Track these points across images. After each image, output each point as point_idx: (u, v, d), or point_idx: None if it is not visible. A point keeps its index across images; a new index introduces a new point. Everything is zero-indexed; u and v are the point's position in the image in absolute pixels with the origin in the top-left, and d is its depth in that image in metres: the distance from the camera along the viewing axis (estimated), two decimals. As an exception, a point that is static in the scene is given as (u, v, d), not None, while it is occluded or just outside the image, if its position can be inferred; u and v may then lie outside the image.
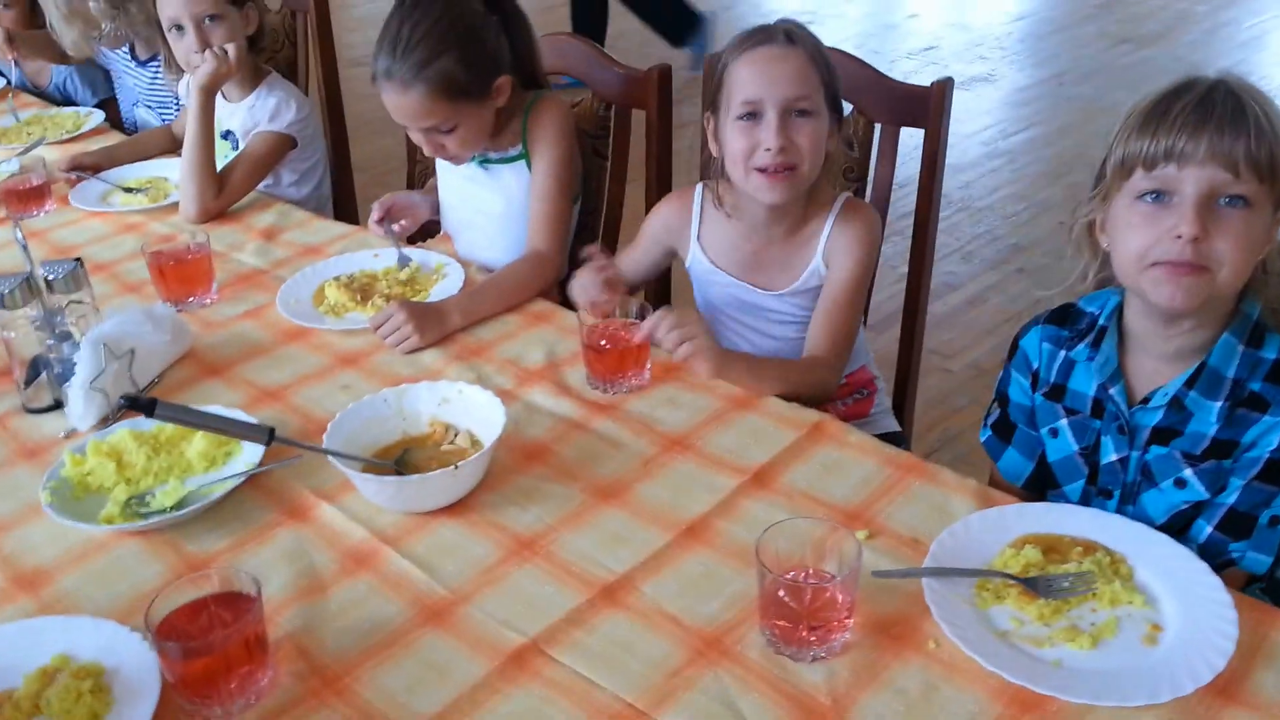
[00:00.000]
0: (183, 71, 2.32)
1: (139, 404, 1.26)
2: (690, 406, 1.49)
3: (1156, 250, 1.18)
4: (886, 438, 1.54)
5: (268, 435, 1.32)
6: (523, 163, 1.95)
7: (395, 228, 2.01)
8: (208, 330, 1.75)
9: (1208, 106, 1.15)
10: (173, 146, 2.49)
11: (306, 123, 2.33)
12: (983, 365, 3.13)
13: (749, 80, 1.55)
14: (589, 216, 2.13)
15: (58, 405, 1.53)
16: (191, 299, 1.82)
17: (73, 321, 1.58)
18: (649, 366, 1.54)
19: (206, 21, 2.17)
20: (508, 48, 1.87)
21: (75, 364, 1.48)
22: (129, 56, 2.79)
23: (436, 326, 1.67)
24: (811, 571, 1.11)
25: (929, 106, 1.76)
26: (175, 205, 2.18)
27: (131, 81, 2.81)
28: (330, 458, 1.30)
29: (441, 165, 2.05)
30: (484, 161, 1.97)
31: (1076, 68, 5.55)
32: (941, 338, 3.21)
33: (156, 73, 2.68)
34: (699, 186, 1.76)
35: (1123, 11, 6.42)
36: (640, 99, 2.01)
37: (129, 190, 2.31)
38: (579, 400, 1.51)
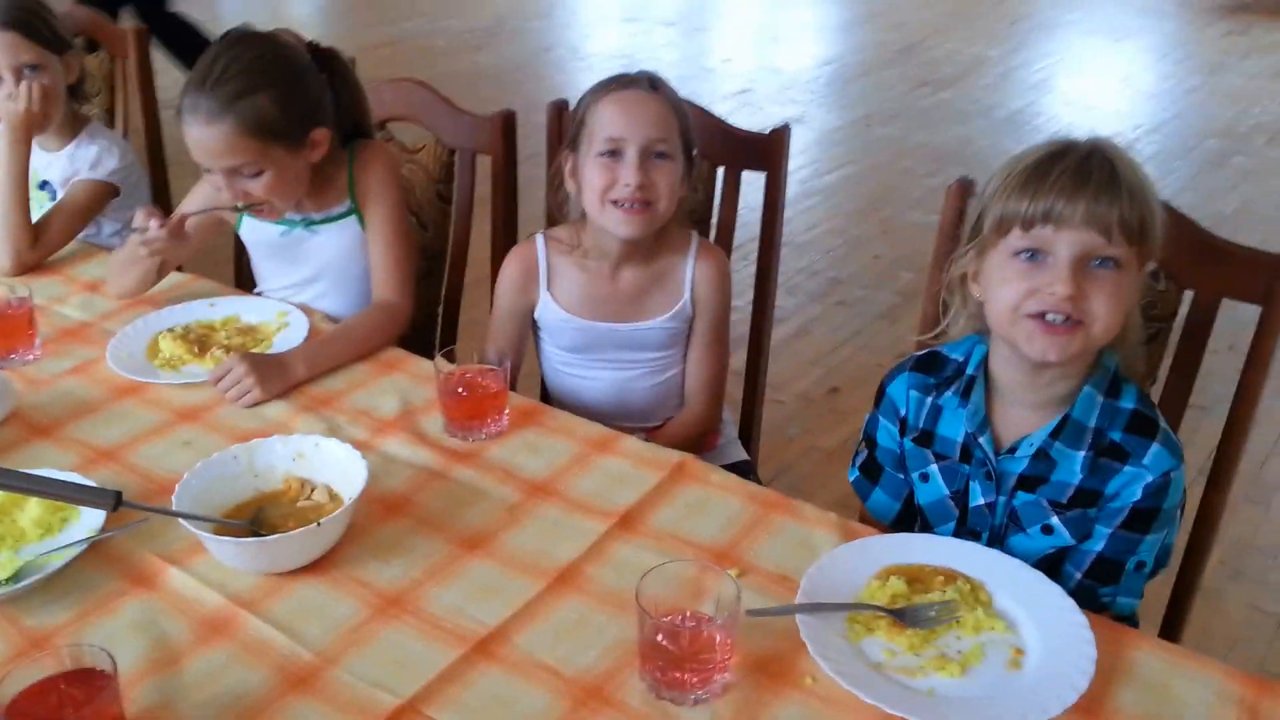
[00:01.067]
0: None
1: (-32, 473, 1.17)
2: (550, 451, 1.48)
3: (1030, 304, 1.23)
4: (735, 467, 1.58)
5: (114, 500, 1.24)
6: (353, 218, 1.87)
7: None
8: (32, 389, 1.65)
9: (1084, 172, 1.20)
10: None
11: (130, 170, 2.23)
12: (811, 395, 3.23)
13: (612, 119, 1.61)
14: (433, 262, 2.09)
15: None
16: (13, 356, 1.71)
17: (-119, 384, 1.46)
18: (507, 412, 1.53)
19: (26, 72, 2.06)
20: (331, 102, 1.81)
21: (-116, 430, 1.37)
22: None
23: (278, 379, 1.61)
24: (689, 614, 1.12)
25: (771, 151, 1.83)
26: (-13, 258, 2.04)
27: None
28: (181, 520, 1.24)
29: (253, 238, 1.94)
30: (309, 224, 1.88)
31: (882, 110, 5.84)
32: (770, 369, 3.28)
33: None
34: (539, 238, 1.77)
35: (922, 56, 6.81)
36: (485, 144, 2.00)
37: (-67, 241, 2.14)
38: (437, 449, 1.49)
